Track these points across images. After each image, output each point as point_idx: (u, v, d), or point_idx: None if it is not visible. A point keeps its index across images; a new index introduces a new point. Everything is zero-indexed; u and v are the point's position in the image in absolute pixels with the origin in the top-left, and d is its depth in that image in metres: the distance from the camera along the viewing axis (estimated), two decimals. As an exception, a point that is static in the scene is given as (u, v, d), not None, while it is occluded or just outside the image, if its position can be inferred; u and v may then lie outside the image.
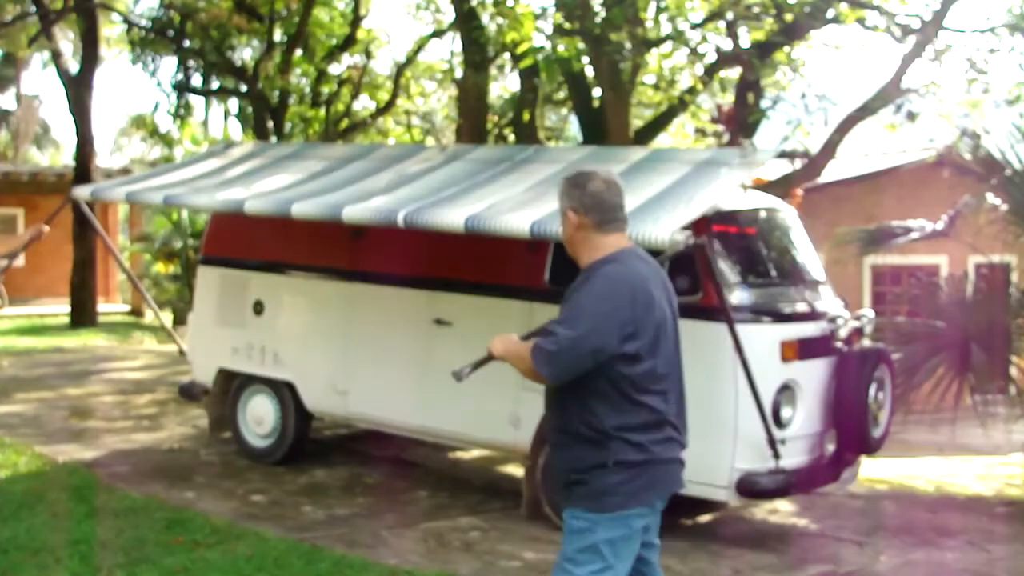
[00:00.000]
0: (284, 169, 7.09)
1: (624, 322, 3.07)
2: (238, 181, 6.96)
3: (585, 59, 11.11)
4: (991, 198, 7.71)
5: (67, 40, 20.66)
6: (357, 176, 6.54)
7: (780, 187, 9.06)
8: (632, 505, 3.17)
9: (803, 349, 5.50)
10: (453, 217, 5.27)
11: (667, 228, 4.63)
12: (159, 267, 18.98)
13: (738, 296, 5.53)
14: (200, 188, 6.88)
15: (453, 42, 17.41)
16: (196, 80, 16.81)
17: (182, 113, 16.81)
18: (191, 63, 16.33)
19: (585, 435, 3.15)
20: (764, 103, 11.11)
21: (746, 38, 11.65)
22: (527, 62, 10.82)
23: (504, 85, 17.83)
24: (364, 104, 19.80)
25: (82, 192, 7.52)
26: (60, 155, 37.19)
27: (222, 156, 7.85)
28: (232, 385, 7.43)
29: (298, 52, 16.71)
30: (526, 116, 13.45)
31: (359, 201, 5.84)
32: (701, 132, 14.23)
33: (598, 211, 3.20)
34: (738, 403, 5.25)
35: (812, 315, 5.68)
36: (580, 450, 3.16)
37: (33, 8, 17.50)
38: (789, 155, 9.33)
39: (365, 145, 8.08)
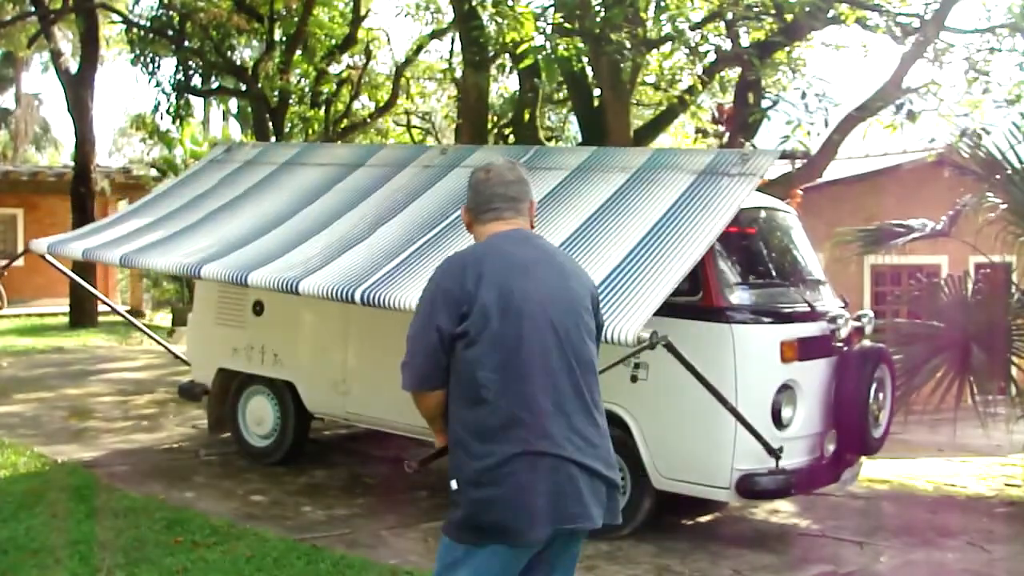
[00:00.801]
0: (261, 198, 6.96)
1: (455, 299, 2.78)
2: (206, 225, 6.80)
3: (585, 59, 11.10)
4: (991, 198, 7.71)
5: (67, 40, 20.65)
6: (336, 209, 6.39)
7: (780, 187, 9.05)
8: (486, 540, 2.74)
9: (803, 349, 5.49)
10: (411, 298, 5.06)
11: (634, 324, 4.46)
12: (159, 267, 18.94)
13: (738, 296, 5.53)
14: (161, 241, 6.71)
15: (453, 43, 17.41)
16: (196, 80, 16.78)
17: (182, 113, 16.78)
18: (191, 63, 16.31)
19: (451, 441, 2.85)
20: (764, 103, 11.09)
21: (746, 38, 11.64)
22: (527, 62, 10.83)
23: (504, 85, 17.82)
24: (364, 104, 19.79)
25: (38, 247, 7.35)
26: (60, 155, 37.21)
27: (213, 170, 7.78)
28: (232, 385, 7.42)
29: (298, 52, 16.70)
30: (526, 116, 13.44)
31: (322, 265, 5.67)
32: (702, 132, 14.23)
33: (475, 202, 3.02)
34: (738, 404, 5.25)
35: (812, 315, 5.67)
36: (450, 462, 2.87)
37: (33, 8, 17.50)
38: (789, 155, 9.32)
39: (364, 148, 7.98)
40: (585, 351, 2.88)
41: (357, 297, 5.28)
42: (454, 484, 2.80)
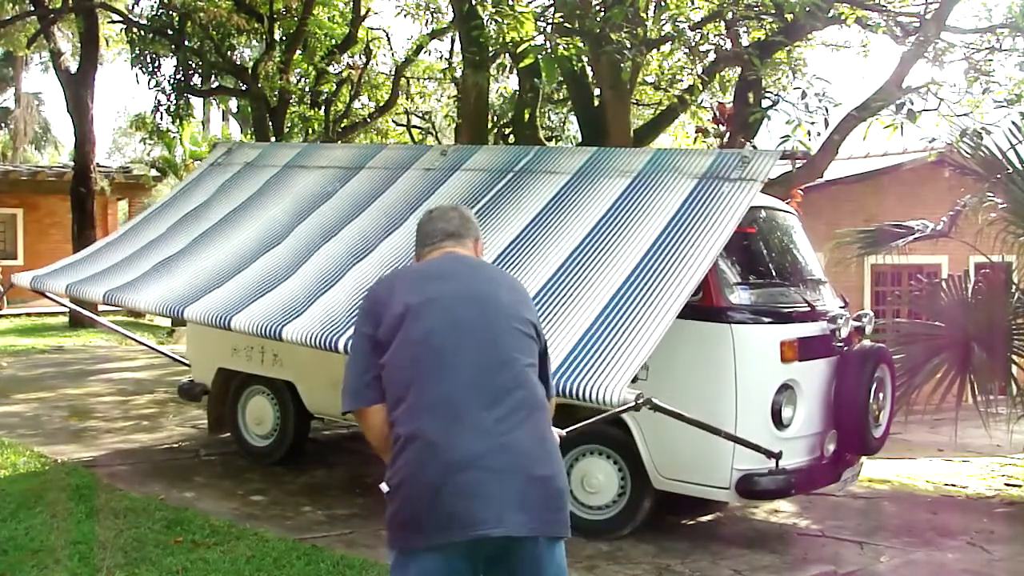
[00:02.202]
0: (256, 213, 6.84)
1: (372, 313, 2.85)
2: (196, 251, 6.66)
3: (585, 59, 11.09)
4: (991, 198, 7.71)
5: (67, 40, 20.65)
6: (328, 228, 6.25)
7: (780, 187, 9.04)
8: (405, 544, 2.71)
9: (803, 349, 5.49)
10: None
11: (617, 385, 4.35)
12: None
13: (738, 296, 5.52)
14: (149, 273, 6.57)
15: (453, 43, 17.41)
16: (196, 80, 16.79)
17: (182, 113, 16.78)
18: (191, 63, 16.32)
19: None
20: (764, 103, 11.09)
21: (746, 38, 11.63)
22: (527, 62, 10.81)
23: (504, 85, 17.82)
24: (364, 104, 19.80)
25: (22, 280, 7.28)
26: (60, 155, 37.23)
27: (213, 176, 7.71)
28: (232, 385, 7.42)
29: (298, 52, 16.71)
30: (526, 116, 13.44)
31: (306, 305, 5.54)
32: (703, 132, 14.24)
33: (418, 241, 3.11)
34: (738, 403, 5.24)
35: (812, 315, 5.67)
36: None
37: (33, 8, 17.49)
38: (789, 155, 9.31)
39: (364, 150, 7.91)
40: (514, 350, 2.78)
41: (341, 346, 5.10)
42: (384, 487, 2.75)
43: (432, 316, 2.77)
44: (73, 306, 7.52)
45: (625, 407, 4.42)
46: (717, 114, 12.94)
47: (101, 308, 17.27)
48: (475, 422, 2.65)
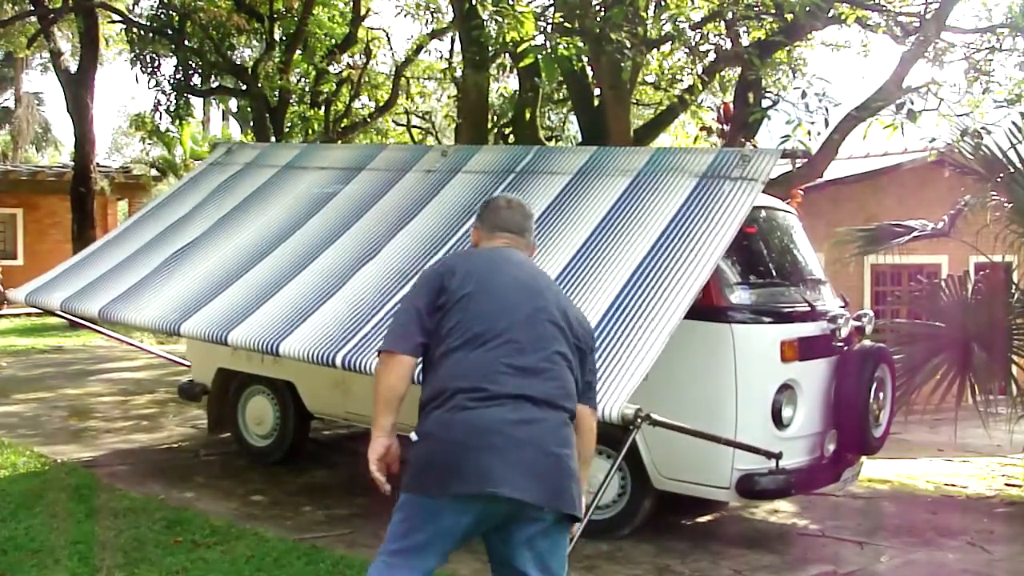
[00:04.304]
0: (254, 216, 6.77)
1: (434, 288, 3.11)
2: (190, 258, 6.56)
3: (585, 59, 11.09)
4: (995, 197, 7.70)
5: (67, 40, 20.66)
6: (327, 234, 6.18)
7: (780, 187, 9.04)
8: (422, 490, 2.98)
9: (803, 349, 5.48)
10: None
11: (616, 401, 4.29)
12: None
13: (738, 296, 5.52)
14: (144, 281, 6.47)
15: (453, 42, 17.41)
16: (196, 80, 16.78)
17: (182, 113, 16.77)
18: (191, 63, 16.31)
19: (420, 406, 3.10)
20: (764, 103, 11.08)
21: (746, 37, 11.63)
22: (527, 62, 10.81)
23: (504, 85, 17.82)
24: (364, 104, 19.79)
25: (16, 296, 7.20)
26: (60, 155, 37.24)
27: (211, 175, 7.67)
28: (232, 385, 7.42)
29: (298, 52, 16.70)
30: (526, 116, 13.43)
31: (303, 318, 5.43)
32: (707, 130, 14.24)
33: (491, 222, 3.38)
34: (738, 403, 5.24)
35: (812, 315, 5.67)
36: None
37: (33, 8, 17.50)
38: (790, 155, 9.31)
39: (364, 150, 7.87)
40: (551, 339, 3.06)
41: (338, 362, 5.01)
42: (413, 436, 3.01)
43: (492, 297, 3.06)
44: (70, 317, 7.45)
45: (625, 423, 4.36)
46: (721, 113, 12.94)
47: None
48: (508, 393, 2.91)
